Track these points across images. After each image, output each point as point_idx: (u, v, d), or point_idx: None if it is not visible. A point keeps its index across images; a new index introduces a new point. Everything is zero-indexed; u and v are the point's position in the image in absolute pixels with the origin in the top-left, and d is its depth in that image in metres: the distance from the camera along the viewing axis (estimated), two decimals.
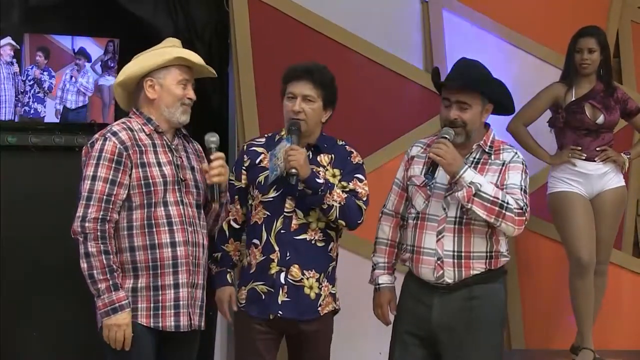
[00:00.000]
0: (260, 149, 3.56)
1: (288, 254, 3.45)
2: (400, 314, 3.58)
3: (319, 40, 5.12)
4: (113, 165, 3.27)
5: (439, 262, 3.44)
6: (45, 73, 5.06)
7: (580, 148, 4.64)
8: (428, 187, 3.49)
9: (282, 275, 3.45)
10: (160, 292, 3.30)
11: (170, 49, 3.47)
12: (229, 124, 5.39)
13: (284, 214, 3.47)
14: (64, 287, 4.77)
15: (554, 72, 5.12)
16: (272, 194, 3.49)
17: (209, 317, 5.07)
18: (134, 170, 3.30)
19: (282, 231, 3.46)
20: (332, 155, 3.60)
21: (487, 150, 3.50)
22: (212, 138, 3.43)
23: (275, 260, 3.46)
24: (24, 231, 5.02)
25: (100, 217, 3.24)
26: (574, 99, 4.65)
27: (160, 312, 3.30)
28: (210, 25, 5.35)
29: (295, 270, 3.46)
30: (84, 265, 3.23)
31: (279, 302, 3.45)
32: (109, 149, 3.29)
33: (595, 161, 4.65)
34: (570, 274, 4.64)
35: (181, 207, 3.36)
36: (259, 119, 4.96)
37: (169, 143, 3.42)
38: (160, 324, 3.30)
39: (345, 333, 3.72)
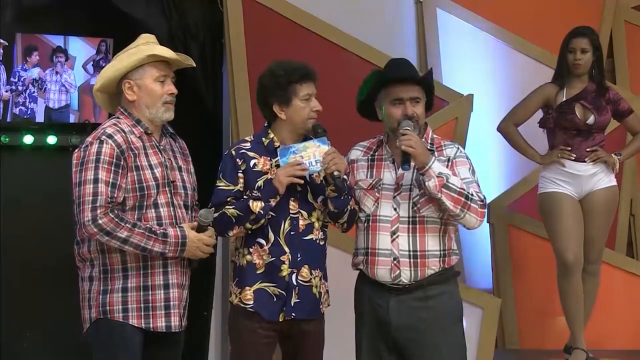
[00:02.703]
0: (251, 153, 3.48)
1: (299, 256, 3.43)
2: (360, 320, 3.56)
3: (313, 40, 5.11)
4: (112, 168, 3.21)
5: (395, 262, 3.43)
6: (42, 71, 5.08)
7: (569, 148, 4.63)
8: (376, 189, 3.50)
9: (294, 276, 3.43)
10: (150, 292, 3.27)
11: (144, 46, 3.37)
12: (222, 124, 5.40)
13: (290, 215, 3.44)
14: (61, 286, 4.75)
15: (548, 72, 5.12)
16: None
17: (203, 316, 5.10)
18: (129, 174, 3.26)
19: (291, 232, 3.43)
20: None
21: (429, 147, 3.50)
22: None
23: (287, 263, 3.42)
24: (19, 230, 5.03)
25: (109, 210, 3.17)
26: (565, 99, 4.64)
27: (150, 312, 3.27)
28: (204, 25, 5.36)
29: (305, 271, 3.44)
30: (130, 249, 3.20)
31: (292, 304, 3.43)
32: (107, 152, 3.22)
33: (585, 162, 4.63)
34: (557, 274, 4.64)
35: (171, 208, 3.33)
36: (253, 119, 4.95)
37: (157, 144, 3.38)
38: (152, 325, 3.27)
39: (333, 331, 3.70)
